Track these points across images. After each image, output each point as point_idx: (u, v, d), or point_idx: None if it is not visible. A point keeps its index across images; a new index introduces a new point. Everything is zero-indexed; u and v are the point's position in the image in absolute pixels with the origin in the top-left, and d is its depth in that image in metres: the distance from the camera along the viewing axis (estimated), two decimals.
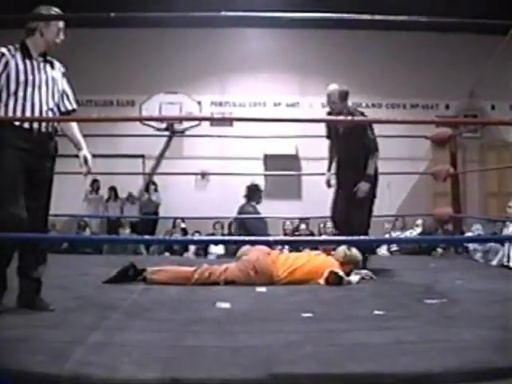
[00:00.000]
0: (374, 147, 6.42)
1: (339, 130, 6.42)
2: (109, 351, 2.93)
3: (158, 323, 3.65)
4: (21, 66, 3.99)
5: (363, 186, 6.19)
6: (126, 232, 11.12)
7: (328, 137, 6.82)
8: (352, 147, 6.27)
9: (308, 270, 5.30)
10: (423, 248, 9.86)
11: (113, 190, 13.40)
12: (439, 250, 9.50)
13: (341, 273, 5.25)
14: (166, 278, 5.18)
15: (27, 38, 4.09)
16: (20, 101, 3.98)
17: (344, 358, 2.84)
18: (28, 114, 4.00)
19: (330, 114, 6.60)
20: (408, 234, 11.26)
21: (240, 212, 8.45)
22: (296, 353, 2.93)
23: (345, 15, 4.00)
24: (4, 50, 3.99)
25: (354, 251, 5.62)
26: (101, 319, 3.63)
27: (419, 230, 11.20)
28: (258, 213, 8.41)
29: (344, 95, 6.46)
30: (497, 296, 4.54)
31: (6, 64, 3.93)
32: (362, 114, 6.47)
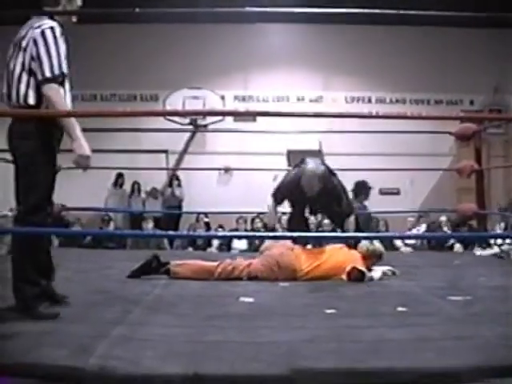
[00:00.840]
0: (349, 211, 6.10)
1: (308, 194, 5.90)
2: (132, 345, 2.95)
3: (181, 318, 3.66)
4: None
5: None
6: (149, 226, 11.16)
7: (279, 201, 6.16)
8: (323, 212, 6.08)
9: (331, 266, 5.27)
10: (431, 245, 9.92)
11: (136, 184, 13.45)
12: (457, 246, 9.48)
13: (363, 268, 5.23)
14: (189, 272, 5.19)
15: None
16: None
17: (367, 354, 2.84)
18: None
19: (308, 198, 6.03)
20: (415, 231, 11.24)
21: None
22: (319, 348, 2.93)
23: (368, 10, 4.00)
24: (56, 25, 3.54)
25: (377, 245, 5.60)
26: (124, 313, 3.66)
27: (423, 228, 11.15)
28: (366, 208, 8.50)
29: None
30: None
31: (67, 41, 3.53)
32: (333, 173, 6.04)
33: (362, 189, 8.52)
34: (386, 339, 3.14)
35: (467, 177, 7.30)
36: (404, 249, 10.05)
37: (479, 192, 7.76)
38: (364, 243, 5.56)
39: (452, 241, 9.62)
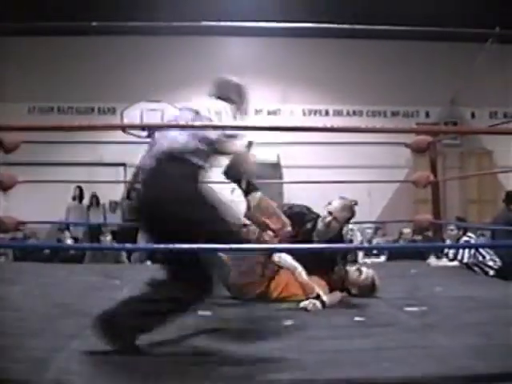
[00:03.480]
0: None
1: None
2: (89, 359, 2.93)
3: None
4: None
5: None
6: (106, 239, 11.10)
7: None
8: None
9: (296, 287, 4.96)
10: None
11: (94, 197, 13.38)
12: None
13: (324, 297, 4.89)
14: None
15: None
16: None
17: (325, 364, 2.86)
18: None
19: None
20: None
21: (498, 217, 8.68)
22: (277, 361, 2.94)
23: (325, 24, 4.05)
24: None
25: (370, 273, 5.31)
26: (82, 327, 3.62)
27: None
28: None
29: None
30: (477, 302, 4.57)
31: None
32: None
33: None
34: (344, 350, 3.17)
35: (423, 187, 7.38)
36: (363, 260, 10.11)
37: (435, 203, 7.85)
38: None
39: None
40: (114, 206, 13.37)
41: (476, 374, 2.73)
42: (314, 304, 4.42)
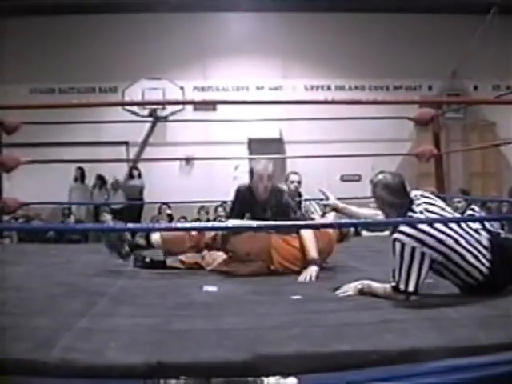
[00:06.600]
0: None
1: (266, 211, 5.30)
2: (96, 337, 2.92)
3: (146, 308, 3.65)
4: None
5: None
6: (106, 218, 11.11)
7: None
8: None
9: (294, 259, 4.97)
10: None
11: (100, 178, 13.38)
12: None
13: None
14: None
15: None
16: None
17: (330, 337, 2.85)
18: None
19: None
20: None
21: None
22: (283, 334, 2.94)
23: None
24: None
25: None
26: (88, 305, 3.62)
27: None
28: None
29: None
30: None
31: None
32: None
33: None
34: (350, 323, 3.17)
35: (426, 161, 7.34)
36: (367, 234, 10.12)
37: (438, 176, 7.82)
38: None
39: None
40: (115, 185, 13.37)
41: (477, 345, 2.74)
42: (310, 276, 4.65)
